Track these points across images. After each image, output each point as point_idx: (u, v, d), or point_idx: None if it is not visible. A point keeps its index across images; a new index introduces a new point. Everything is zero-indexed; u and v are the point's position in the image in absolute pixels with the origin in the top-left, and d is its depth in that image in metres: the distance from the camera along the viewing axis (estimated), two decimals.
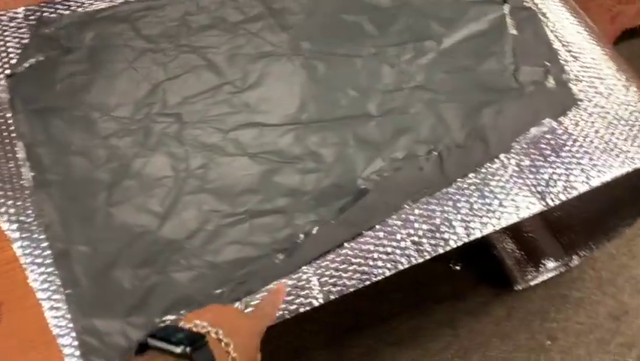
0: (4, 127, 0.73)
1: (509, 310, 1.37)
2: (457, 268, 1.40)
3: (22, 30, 0.81)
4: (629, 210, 1.03)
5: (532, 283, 1.35)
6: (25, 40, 0.79)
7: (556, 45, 0.86)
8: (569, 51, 0.86)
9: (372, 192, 0.71)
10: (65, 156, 0.71)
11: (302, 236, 0.68)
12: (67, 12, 0.84)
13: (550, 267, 1.33)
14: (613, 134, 0.78)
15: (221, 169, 0.72)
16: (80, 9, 0.84)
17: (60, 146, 0.72)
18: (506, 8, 0.89)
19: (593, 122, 0.79)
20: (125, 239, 0.66)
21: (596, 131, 0.78)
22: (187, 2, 0.86)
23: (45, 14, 0.82)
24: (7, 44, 0.79)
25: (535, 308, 1.38)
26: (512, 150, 0.76)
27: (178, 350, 0.40)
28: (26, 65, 0.78)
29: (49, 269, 0.64)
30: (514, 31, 0.86)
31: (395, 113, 0.78)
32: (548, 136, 0.77)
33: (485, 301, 1.38)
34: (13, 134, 0.72)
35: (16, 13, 0.82)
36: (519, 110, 0.79)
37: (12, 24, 0.81)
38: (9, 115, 0.74)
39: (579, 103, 0.80)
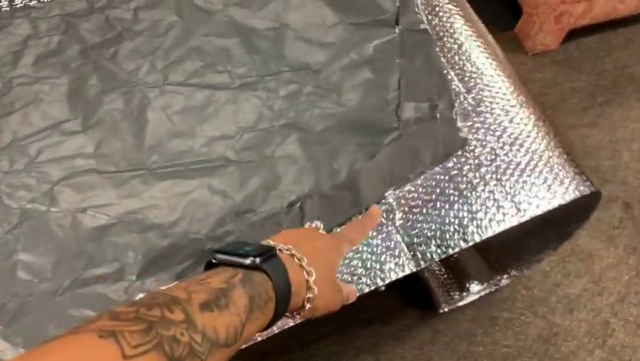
0: None
1: (434, 333, 1.31)
2: (382, 288, 1.33)
3: None
4: (554, 235, 0.97)
5: (458, 305, 1.28)
6: None
7: (451, 74, 0.77)
8: (464, 81, 0.77)
9: None
10: None
11: None
12: None
13: (477, 289, 1.26)
14: (500, 180, 0.70)
15: (42, 229, 0.62)
16: None
17: None
18: (397, 31, 0.79)
19: (478, 167, 0.70)
20: None
21: (482, 178, 0.70)
22: (34, 21, 0.75)
23: None
24: None
25: (462, 331, 1.32)
26: (384, 201, 0.68)
27: (247, 261, 0.38)
28: None
29: None
30: (402, 59, 0.77)
31: (257, 158, 0.69)
32: (427, 184, 0.69)
33: (410, 325, 1.31)
34: None
35: None
36: (397, 154, 0.70)
37: None
38: None
39: (467, 144, 0.72)
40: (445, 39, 0.80)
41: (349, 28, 0.79)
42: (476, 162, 0.71)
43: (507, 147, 0.72)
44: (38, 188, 0.65)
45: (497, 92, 0.76)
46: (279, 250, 0.42)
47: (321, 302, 0.44)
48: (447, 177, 0.70)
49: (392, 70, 0.76)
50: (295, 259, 0.43)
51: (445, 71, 0.77)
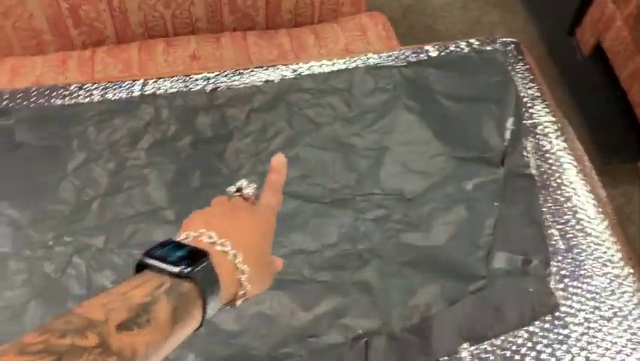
0: None
1: None
2: None
3: None
4: None
5: None
6: None
7: (552, 228, 0.73)
8: (565, 238, 0.72)
9: None
10: None
11: None
12: (38, 102, 0.82)
13: None
14: (589, 360, 0.63)
15: None
16: (51, 100, 0.83)
17: None
18: (501, 172, 0.77)
19: (566, 338, 0.64)
20: None
21: (568, 352, 0.63)
22: (158, 109, 0.82)
23: (10, 104, 0.81)
24: None
25: None
26: (457, 356, 0.63)
27: (176, 269, 0.36)
28: None
29: None
30: (501, 203, 0.74)
31: (332, 280, 0.68)
32: (507, 347, 0.64)
33: None
34: None
35: None
36: (479, 307, 0.66)
37: None
38: None
39: (559, 308, 0.66)
40: (552, 188, 0.76)
41: (451, 162, 0.78)
42: (565, 331, 0.65)
43: (603, 322, 0.65)
44: (124, 270, 0.68)
45: (602, 256, 0.71)
46: (213, 242, 0.40)
47: (254, 291, 0.43)
48: (529, 343, 0.64)
49: (489, 213, 0.73)
50: (230, 256, 0.40)
51: (546, 224, 0.73)
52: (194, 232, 0.41)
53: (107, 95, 0.83)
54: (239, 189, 0.48)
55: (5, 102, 0.81)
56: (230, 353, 0.63)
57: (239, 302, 0.42)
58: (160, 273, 0.37)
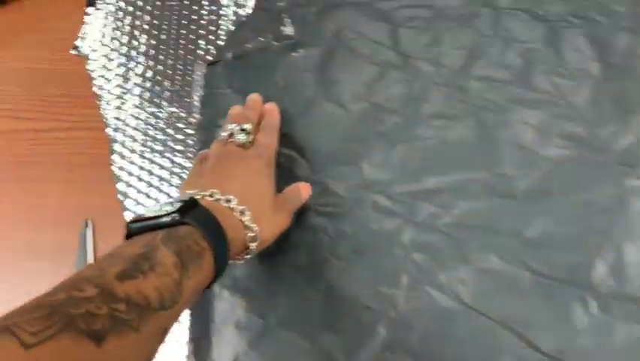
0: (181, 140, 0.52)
1: None
2: None
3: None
4: None
5: None
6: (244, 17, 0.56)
7: None
8: None
9: None
10: None
11: None
12: None
13: None
14: None
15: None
16: None
17: None
18: None
19: None
20: None
21: None
22: (500, 18, 0.53)
23: None
24: (222, 20, 0.56)
25: None
26: None
27: (164, 219, 0.33)
28: (234, 53, 0.54)
29: None
30: None
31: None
32: None
33: None
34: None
35: None
36: None
37: None
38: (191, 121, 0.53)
39: None
40: None
41: None
42: None
43: None
44: (439, 254, 0.45)
45: None
46: (217, 200, 0.38)
47: (268, 232, 0.40)
48: None
49: None
50: (223, 203, 0.38)
51: None
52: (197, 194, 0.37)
53: None
54: (231, 135, 0.44)
55: None
56: None
57: (252, 245, 0.38)
58: (150, 231, 0.32)
